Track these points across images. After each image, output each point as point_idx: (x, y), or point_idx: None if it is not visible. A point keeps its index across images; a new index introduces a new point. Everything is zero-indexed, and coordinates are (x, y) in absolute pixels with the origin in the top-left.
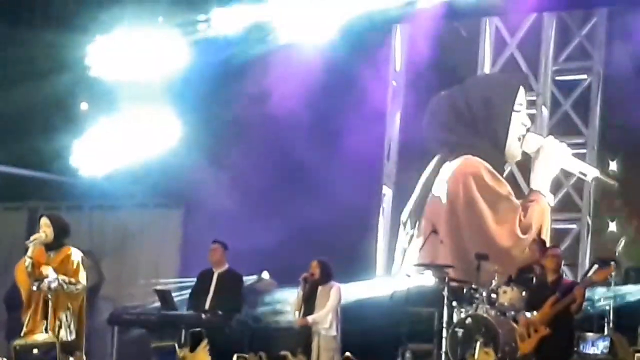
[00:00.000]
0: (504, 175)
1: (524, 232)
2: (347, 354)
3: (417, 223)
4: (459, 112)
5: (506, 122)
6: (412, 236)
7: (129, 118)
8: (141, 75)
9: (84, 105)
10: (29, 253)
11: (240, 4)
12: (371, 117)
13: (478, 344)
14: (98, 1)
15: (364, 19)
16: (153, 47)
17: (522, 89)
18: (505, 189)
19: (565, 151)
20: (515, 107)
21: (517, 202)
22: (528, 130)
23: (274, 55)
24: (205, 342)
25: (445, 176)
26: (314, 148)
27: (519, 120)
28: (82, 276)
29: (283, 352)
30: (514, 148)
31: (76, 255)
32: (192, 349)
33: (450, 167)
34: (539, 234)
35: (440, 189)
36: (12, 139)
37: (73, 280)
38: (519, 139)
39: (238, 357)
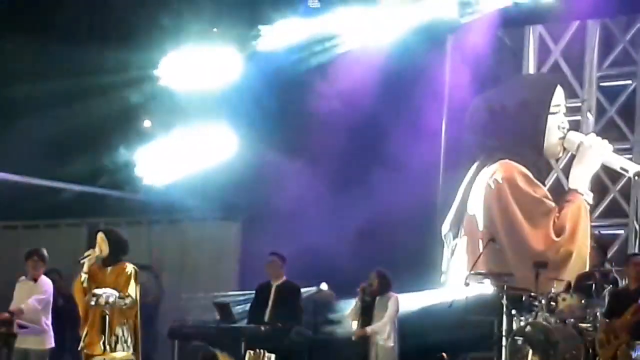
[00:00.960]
0: (549, 179)
1: (558, 234)
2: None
3: (459, 233)
4: (495, 114)
5: (542, 124)
6: (454, 247)
7: (188, 132)
8: (199, 90)
9: (147, 123)
10: (84, 269)
11: (298, 17)
12: (429, 125)
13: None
14: (161, 18)
15: (419, 29)
16: (213, 61)
17: (560, 90)
18: (541, 191)
19: (605, 146)
20: (552, 109)
21: (552, 204)
22: (568, 131)
23: (331, 65)
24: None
25: (481, 184)
26: (374, 159)
27: (555, 122)
28: (132, 290)
29: None
30: (552, 149)
31: (130, 270)
32: None
33: (486, 174)
34: (574, 232)
35: (476, 198)
36: (73, 157)
37: (121, 294)
38: (560, 139)
39: None
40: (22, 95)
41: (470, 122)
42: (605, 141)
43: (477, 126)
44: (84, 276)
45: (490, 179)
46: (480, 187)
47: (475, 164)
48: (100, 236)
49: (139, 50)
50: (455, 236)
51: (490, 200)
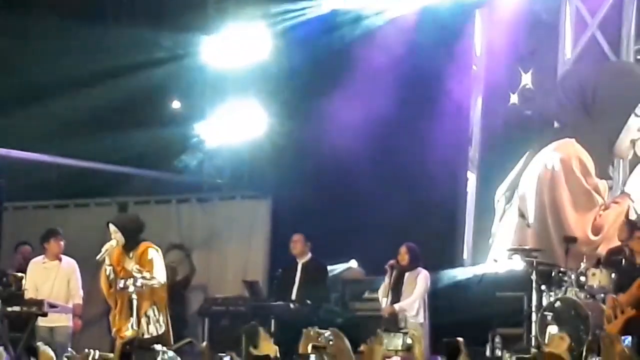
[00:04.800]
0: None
1: (595, 233)
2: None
3: (512, 200)
4: (584, 95)
5: (622, 122)
6: (503, 212)
7: (216, 110)
8: (229, 67)
9: (175, 104)
10: (107, 262)
11: None
12: (455, 102)
13: (549, 329)
14: None
15: (446, 3)
16: (243, 38)
17: None
18: (592, 182)
19: None
20: (637, 111)
21: (600, 199)
22: None
23: (360, 41)
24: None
25: (542, 156)
26: (400, 136)
27: (636, 124)
28: (157, 271)
29: None
30: (623, 149)
31: (152, 251)
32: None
33: (549, 148)
34: (610, 237)
35: (533, 169)
36: (101, 135)
37: (146, 274)
38: (632, 141)
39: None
40: (51, 74)
41: (558, 92)
42: None
43: (563, 99)
44: (108, 269)
45: (548, 157)
46: (538, 162)
47: (544, 137)
48: (112, 228)
49: (168, 29)
50: (507, 202)
51: (543, 178)
